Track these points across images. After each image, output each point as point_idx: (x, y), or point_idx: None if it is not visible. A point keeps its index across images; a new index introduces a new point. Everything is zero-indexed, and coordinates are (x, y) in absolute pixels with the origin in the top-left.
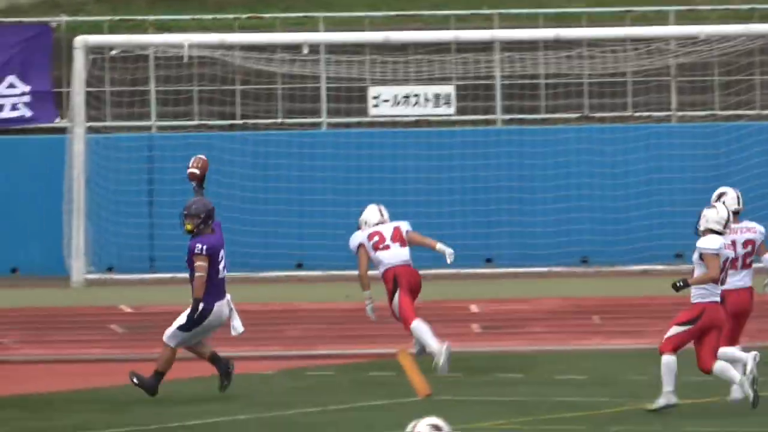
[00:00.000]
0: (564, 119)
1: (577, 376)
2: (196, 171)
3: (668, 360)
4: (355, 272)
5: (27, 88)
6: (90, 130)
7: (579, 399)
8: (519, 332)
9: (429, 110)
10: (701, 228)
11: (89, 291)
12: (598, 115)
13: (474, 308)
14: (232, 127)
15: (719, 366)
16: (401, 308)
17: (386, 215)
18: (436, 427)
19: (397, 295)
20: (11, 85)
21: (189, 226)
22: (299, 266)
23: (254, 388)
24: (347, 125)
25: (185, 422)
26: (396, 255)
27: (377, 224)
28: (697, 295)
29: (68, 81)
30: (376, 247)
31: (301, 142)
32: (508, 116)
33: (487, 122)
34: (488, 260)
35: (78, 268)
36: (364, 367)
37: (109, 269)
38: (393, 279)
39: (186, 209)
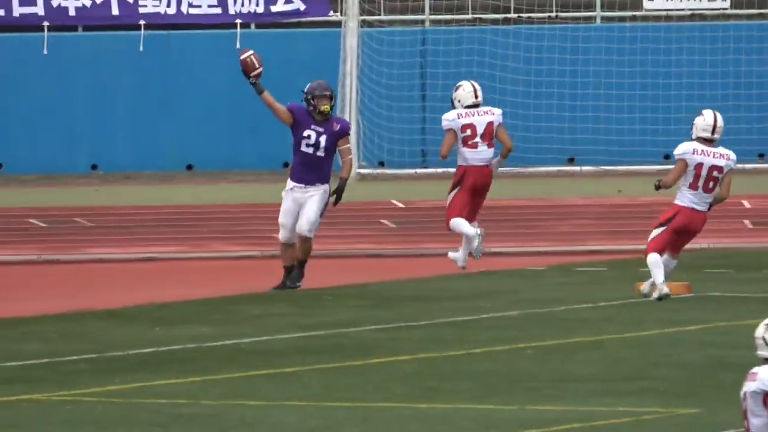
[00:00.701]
0: None
1: None
2: None
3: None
4: (620, 167)
5: None
6: (363, 23)
7: None
8: None
9: (704, 4)
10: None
11: (361, 185)
12: None
13: (746, 204)
14: (505, 21)
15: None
16: (451, 204)
17: (481, 96)
18: None
19: (455, 191)
20: None
21: (329, 107)
22: (571, 161)
23: (525, 284)
24: (621, 19)
25: (451, 318)
26: (479, 155)
27: (470, 107)
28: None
29: None
30: (465, 142)
31: (575, 36)
32: None
33: (762, 16)
34: (760, 155)
35: None
36: (635, 263)
37: (381, 164)
38: (462, 175)
39: (329, 90)
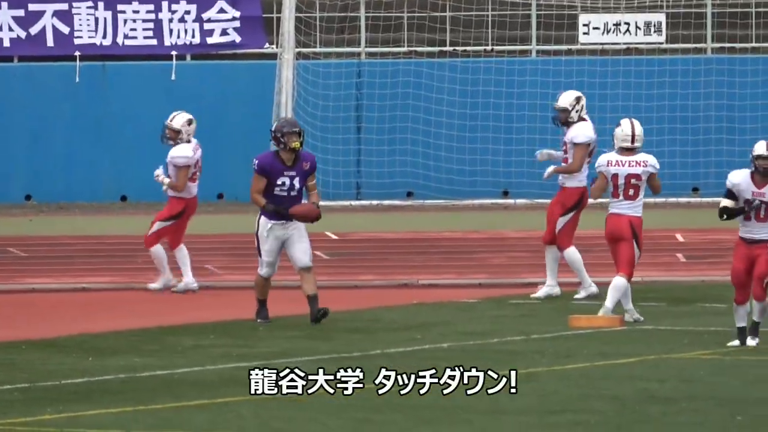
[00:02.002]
0: None
1: None
2: None
3: None
4: (548, 201)
5: (237, 14)
6: (299, 55)
7: None
8: (723, 261)
9: (639, 38)
10: None
11: None
12: None
13: (680, 237)
14: (441, 53)
15: None
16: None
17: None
18: None
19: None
20: (221, 10)
21: (299, 143)
22: (505, 194)
23: (458, 316)
24: (557, 53)
25: (386, 350)
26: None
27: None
28: None
29: (278, 6)
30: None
31: (511, 69)
32: (718, 44)
33: (697, 50)
34: (694, 189)
35: None
36: (568, 296)
37: None
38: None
39: (297, 126)
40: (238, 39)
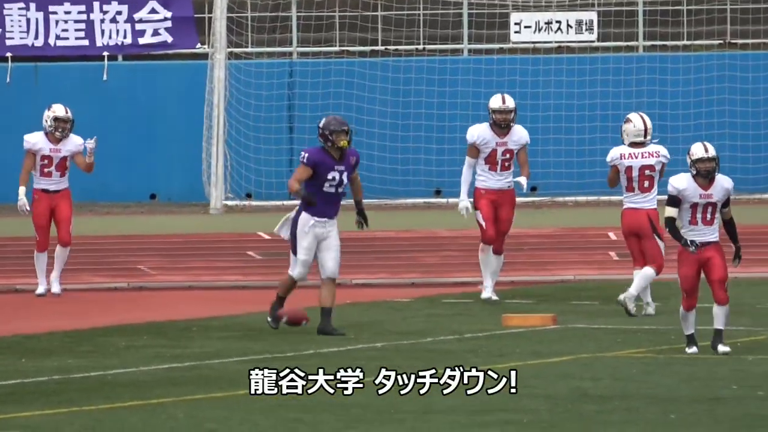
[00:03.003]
0: (705, 46)
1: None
2: None
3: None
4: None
5: (168, 14)
6: (231, 55)
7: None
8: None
9: (571, 37)
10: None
11: (227, 218)
12: (740, 41)
13: (612, 236)
14: (372, 53)
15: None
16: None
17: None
18: None
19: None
20: (153, 11)
21: (347, 142)
22: (438, 193)
23: (392, 316)
24: (488, 52)
25: (320, 350)
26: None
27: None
28: None
29: (209, 7)
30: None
31: (443, 68)
32: (649, 42)
33: (629, 49)
34: None
35: (217, 195)
36: (504, 294)
37: (248, 196)
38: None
39: (345, 125)
40: (169, 39)
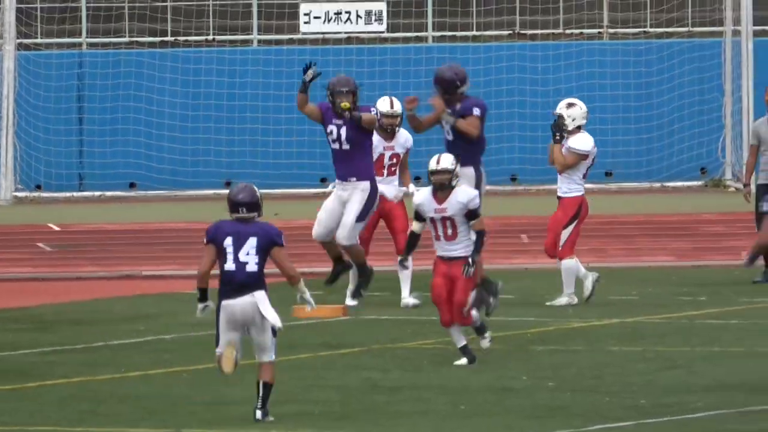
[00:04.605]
0: (495, 36)
1: (507, 295)
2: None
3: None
4: (277, 190)
5: None
6: (20, 46)
7: (508, 319)
8: None
9: (360, 27)
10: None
11: (17, 209)
12: (529, 32)
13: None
14: (162, 44)
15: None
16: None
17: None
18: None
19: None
20: None
21: (348, 104)
22: (228, 184)
23: (183, 308)
24: (278, 42)
25: (110, 342)
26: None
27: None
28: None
29: None
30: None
31: (232, 59)
32: (439, 33)
33: (419, 39)
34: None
35: (6, 186)
36: (287, 288)
37: (38, 187)
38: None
39: (348, 85)
40: None
